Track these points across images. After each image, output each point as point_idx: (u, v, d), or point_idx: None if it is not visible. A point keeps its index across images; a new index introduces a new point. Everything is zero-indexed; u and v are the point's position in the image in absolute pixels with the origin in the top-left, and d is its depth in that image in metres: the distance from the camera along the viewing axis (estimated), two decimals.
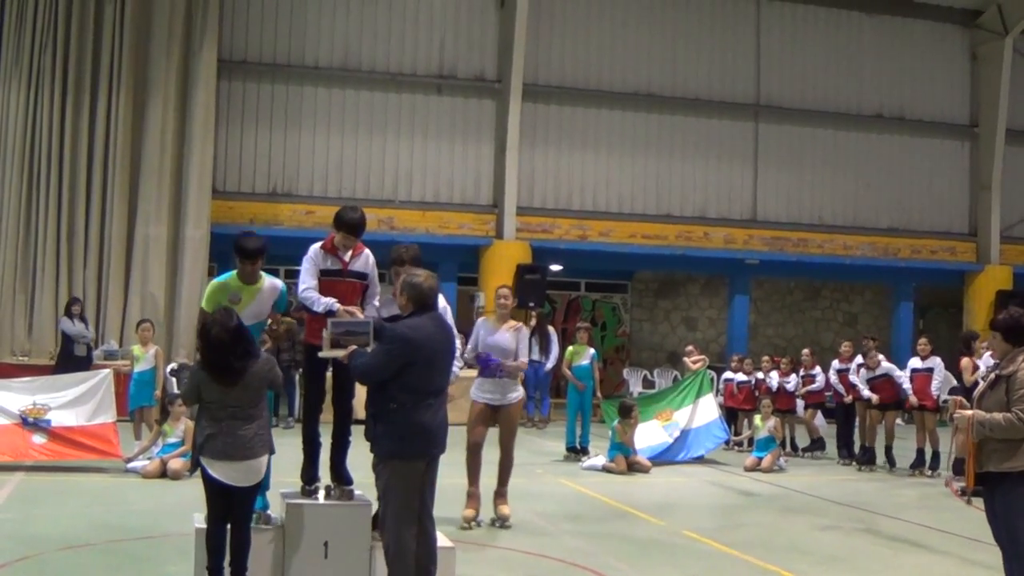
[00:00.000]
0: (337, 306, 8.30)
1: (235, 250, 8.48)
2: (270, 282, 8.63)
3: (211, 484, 7.74)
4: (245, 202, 24.70)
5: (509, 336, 11.51)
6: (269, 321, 8.76)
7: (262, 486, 8.31)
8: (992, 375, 7.63)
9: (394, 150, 25.84)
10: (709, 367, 20.03)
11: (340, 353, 7.87)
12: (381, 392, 7.64)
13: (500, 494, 11.63)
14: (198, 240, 23.16)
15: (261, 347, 8.28)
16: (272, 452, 7.90)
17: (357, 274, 8.73)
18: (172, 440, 14.65)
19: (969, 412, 7.49)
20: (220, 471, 7.68)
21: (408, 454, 7.60)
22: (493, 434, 11.61)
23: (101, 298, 22.69)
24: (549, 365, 17.08)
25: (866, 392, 17.82)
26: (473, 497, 11.50)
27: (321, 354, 8.03)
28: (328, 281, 8.57)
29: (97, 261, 22.72)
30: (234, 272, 8.61)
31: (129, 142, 22.89)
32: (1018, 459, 7.29)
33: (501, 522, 11.48)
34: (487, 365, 11.44)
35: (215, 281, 8.65)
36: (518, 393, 11.62)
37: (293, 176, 25.22)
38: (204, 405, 7.83)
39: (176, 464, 14.20)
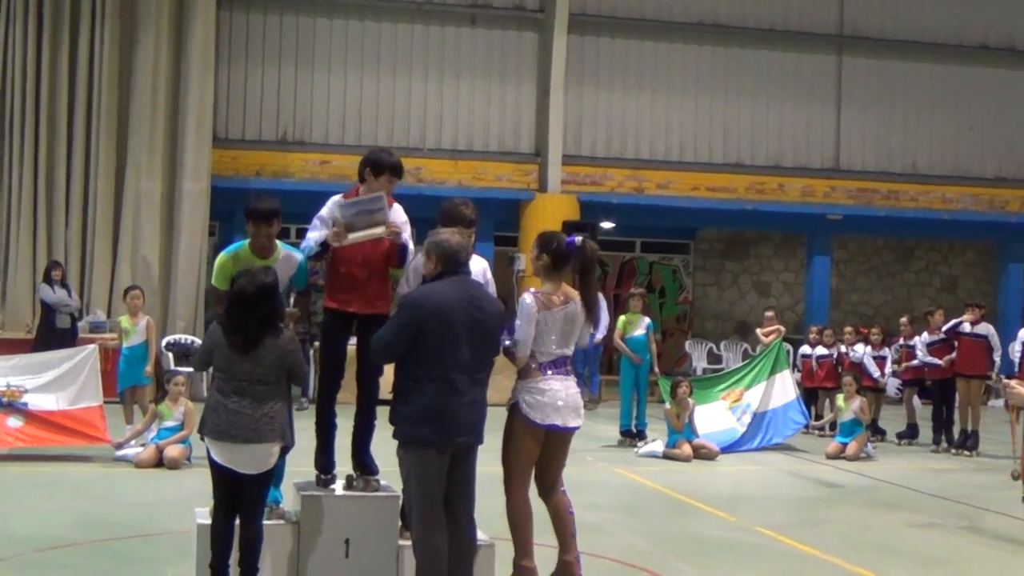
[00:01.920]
0: (326, 235, 8.45)
1: (246, 214, 8.51)
2: (286, 253, 8.61)
3: (214, 468, 7.80)
4: (251, 151, 24.71)
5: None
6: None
7: (275, 477, 8.30)
8: None
9: (421, 91, 25.77)
10: (786, 340, 19.89)
11: (362, 236, 8.08)
12: (400, 368, 7.74)
13: (573, 561, 8.79)
14: (197, 195, 23.20)
15: None
16: (287, 444, 7.89)
17: None
18: (169, 423, 14.67)
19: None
20: (220, 452, 7.73)
21: (424, 440, 7.61)
22: None
23: (86, 263, 22.78)
24: (599, 336, 16.89)
25: None
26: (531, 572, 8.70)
27: (335, 243, 8.33)
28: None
29: (81, 221, 22.80)
30: (245, 242, 8.62)
31: (116, 83, 22.91)
32: None
33: None
34: None
35: (223, 254, 8.67)
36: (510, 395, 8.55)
37: (306, 121, 25.21)
38: (215, 375, 7.90)
39: (174, 451, 14.25)
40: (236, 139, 24.79)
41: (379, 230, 8.45)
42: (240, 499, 7.83)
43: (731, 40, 27.30)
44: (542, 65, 26.02)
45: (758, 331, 20.74)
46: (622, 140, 26.84)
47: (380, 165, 8.72)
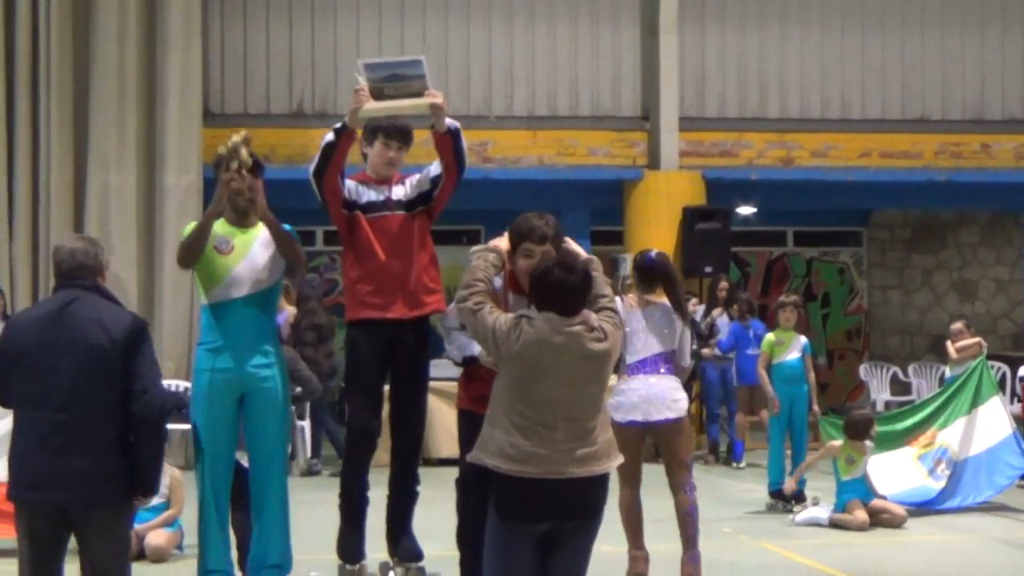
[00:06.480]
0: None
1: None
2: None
3: None
4: (255, 128, 24.51)
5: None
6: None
7: (282, 568, 8.33)
8: None
9: (484, 39, 25.79)
10: (1002, 359, 19.73)
11: (393, 107, 8.22)
12: None
13: (687, 560, 12.05)
14: (185, 191, 23.22)
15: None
16: None
17: (400, 203, 9.18)
18: (151, 501, 14.69)
19: None
20: None
21: (16, 495, 8.00)
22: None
23: (39, 289, 22.91)
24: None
25: None
26: (637, 561, 11.98)
27: (356, 117, 8.92)
28: (373, 219, 8.67)
29: (30, 234, 22.95)
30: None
31: (71, 46, 23.05)
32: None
33: None
34: None
35: (195, 223, 8.86)
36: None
37: (328, 87, 25.28)
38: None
39: (159, 538, 14.22)
40: (235, 114, 24.88)
41: (419, 101, 8.55)
42: None
43: None
44: None
45: (949, 345, 20.41)
46: (761, 94, 26.69)
47: (369, 125, 8.80)
